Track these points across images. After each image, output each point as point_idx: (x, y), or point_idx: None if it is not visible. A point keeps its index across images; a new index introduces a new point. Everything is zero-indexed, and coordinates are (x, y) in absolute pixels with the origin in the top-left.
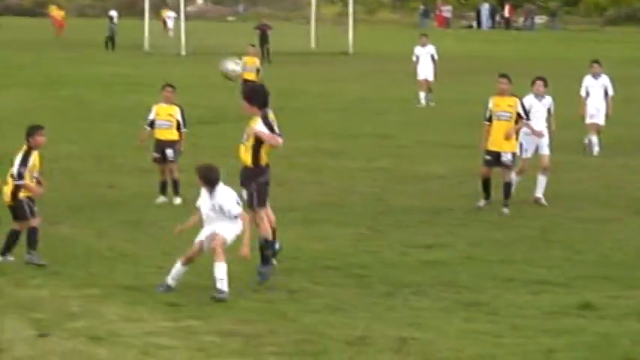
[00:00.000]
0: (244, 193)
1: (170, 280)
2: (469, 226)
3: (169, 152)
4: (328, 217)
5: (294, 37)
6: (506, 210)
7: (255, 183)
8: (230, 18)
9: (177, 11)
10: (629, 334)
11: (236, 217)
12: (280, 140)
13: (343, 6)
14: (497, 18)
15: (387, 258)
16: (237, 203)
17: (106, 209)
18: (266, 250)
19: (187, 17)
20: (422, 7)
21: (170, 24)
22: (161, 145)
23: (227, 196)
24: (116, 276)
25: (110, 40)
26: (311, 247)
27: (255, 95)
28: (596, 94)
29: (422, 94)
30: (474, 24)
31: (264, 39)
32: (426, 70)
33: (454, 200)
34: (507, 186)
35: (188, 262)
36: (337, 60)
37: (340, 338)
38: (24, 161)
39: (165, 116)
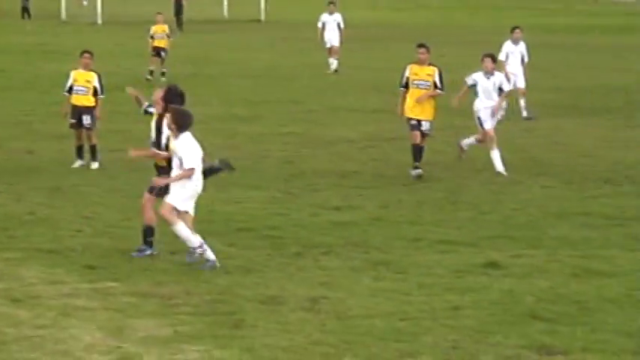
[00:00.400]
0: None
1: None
2: (378, 188)
3: (86, 118)
4: (241, 181)
5: (208, 5)
6: (415, 172)
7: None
8: None
9: None
10: (533, 291)
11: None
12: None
13: None
14: None
15: (299, 220)
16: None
17: (25, 174)
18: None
19: None
20: None
21: None
22: (78, 111)
23: (187, 145)
24: (35, 239)
25: (25, 11)
26: (224, 209)
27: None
28: (514, 59)
29: (331, 60)
30: None
31: (178, 9)
32: (332, 37)
33: (363, 163)
34: (421, 150)
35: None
36: (249, 28)
37: (254, 298)
38: None
39: (83, 82)
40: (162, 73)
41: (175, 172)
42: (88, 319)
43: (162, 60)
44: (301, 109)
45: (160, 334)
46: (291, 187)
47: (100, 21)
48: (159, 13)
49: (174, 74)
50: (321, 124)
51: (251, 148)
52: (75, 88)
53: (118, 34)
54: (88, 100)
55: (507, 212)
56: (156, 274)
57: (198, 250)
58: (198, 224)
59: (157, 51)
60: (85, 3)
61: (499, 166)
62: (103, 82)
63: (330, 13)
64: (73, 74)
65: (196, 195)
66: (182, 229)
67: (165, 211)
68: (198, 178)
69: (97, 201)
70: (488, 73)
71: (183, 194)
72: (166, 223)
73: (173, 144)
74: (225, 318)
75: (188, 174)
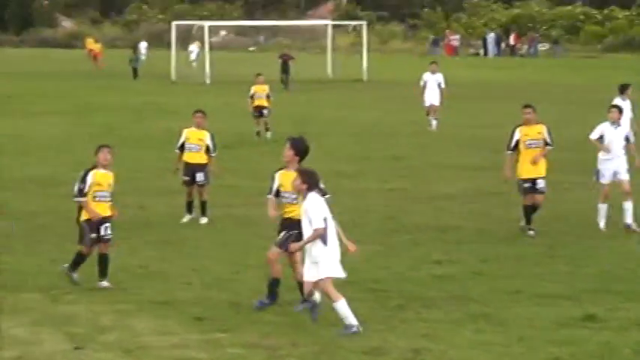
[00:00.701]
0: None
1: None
2: (478, 242)
3: (199, 176)
4: (345, 235)
5: (312, 65)
6: (531, 232)
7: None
8: (251, 48)
9: (202, 42)
10: (630, 343)
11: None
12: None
13: (357, 36)
14: (503, 46)
15: (401, 273)
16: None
17: (136, 229)
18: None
19: (211, 47)
20: (432, 36)
21: (193, 56)
22: (191, 169)
23: (315, 206)
24: (146, 292)
25: (133, 70)
26: None
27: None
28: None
29: (431, 118)
30: (481, 52)
31: (285, 68)
32: (432, 97)
33: (463, 218)
34: (534, 209)
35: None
36: (352, 87)
37: (357, 349)
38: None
39: (196, 140)
40: (267, 129)
41: (306, 232)
42: None
43: (265, 118)
44: (403, 166)
45: None
46: (393, 241)
47: (208, 81)
48: (259, 75)
49: (280, 132)
50: (423, 179)
51: (354, 203)
52: (187, 145)
53: (225, 94)
54: (201, 158)
55: (605, 266)
56: (263, 326)
57: (353, 330)
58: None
59: (259, 110)
60: (194, 64)
61: (628, 218)
62: (215, 141)
63: (432, 73)
64: (185, 132)
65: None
66: (342, 306)
67: (325, 288)
68: (331, 237)
69: (207, 254)
70: (615, 124)
71: (329, 260)
72: (329, 299)
73: (303, 205)
74: None
75: (316, 235)
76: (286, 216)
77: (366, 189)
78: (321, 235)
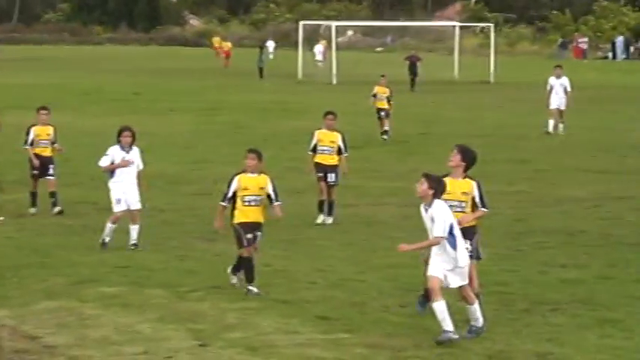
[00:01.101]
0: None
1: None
2: (605, 247)
3: (331, 176)
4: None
5: (439, 67)
6: None
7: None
8: (378, 49)
9: (329, 42)
10: None
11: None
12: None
13: (485, 38)
14: (632, 49)
15: (527, 277)
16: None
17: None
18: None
19: (338, 48)
20: (560, 39)
21: (319, 56)
22: (323, 169)
23: (440, 213)
24: (272, 290)
25: (259, 70)
26: None
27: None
28: None
29: (551, 122)
30: (610, 55)
31: (412, 69)
32: (558, 100)
33: (591, 222)
34: None
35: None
36: (479, 89)
37: (481, 352)
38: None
39: (328, 142)
40: (385, 132)
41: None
42: None
43: (383, 121)
44: (530, 169)
45: None
46: (520, 244)
47: (334, 81)
48: (382, 76)
49: (406, 133)
50: (550, 183)
51: None
52: (320, 147)
53: (351, 94)
54: (333, 159)
55: None
56: (387, 326)
57: (447, 336)
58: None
59: (379, 112)
60: (319, 64)
61: None
62: (346, 141)
63: (557, 77)
64: (317, 134)
65: (454, 266)
66: (441, 309)
67: (431, 283)
68: (457, 249)
69: (332, 254)
70: None
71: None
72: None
73: (430, 211)
74: None
75: (435, 242)
76: None
77: (492, 191)
78: (438, 243)
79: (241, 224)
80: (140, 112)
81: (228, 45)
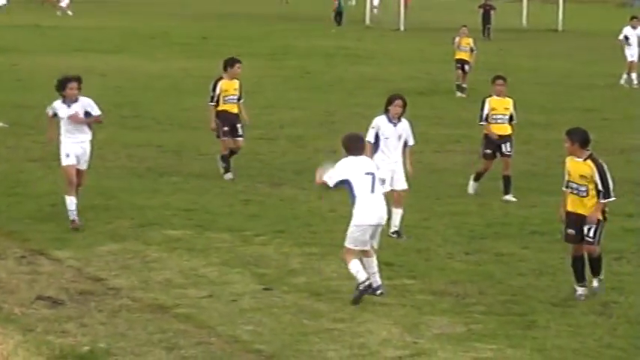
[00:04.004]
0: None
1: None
2: None
3: (506, 146)
4: (536, 186)
5: (507, 14)
6: None
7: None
8: None
9: None
10: None
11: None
12: None
13: None
14: None
15: None
16: None
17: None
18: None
19: None
20: None
21: (375, 1)
22: (495, 142)
23: None
24: (336, 236)
25: (338, 15)
26: (519, 213)
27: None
28: None
29: (625, 75)
30: None
31: (486, 18)
32: (634, 52)
33: None
34: None
35: None
36: (547, 37)
37: (546, 300)
38: None
39: (502, 110)
40: (463, 89)
41: None
42: (384, 315)
43: (465, 74)
44: (596, 117)
45: (454, 331)
46: None
47: (402, 27)
48: (464, 26)
49: (472, 80)
50: (616, 132)
51: (546, 154)
52: (493, 116)
53: (419, 41)
54: (506, 129)
55: None
56: (451, 273)
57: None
58: (494, 227)
59: (461, 64)
60: (375, 11)
61: None
62: (516, 108)
63: (634, 28)
64: (488, 101)
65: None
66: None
67: None
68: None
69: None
70: None
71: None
72: None
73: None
74: (518, 318)
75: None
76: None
77: (558, 140)
78: None
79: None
80: (207, 57)
81: None
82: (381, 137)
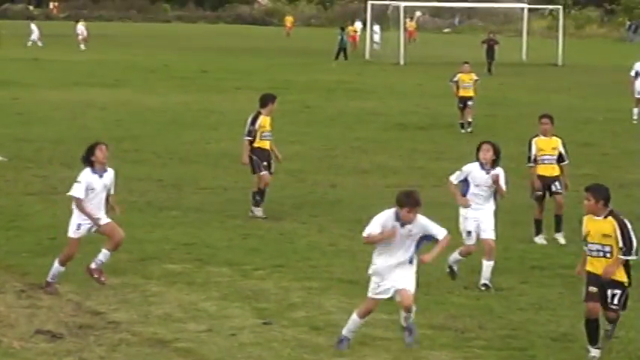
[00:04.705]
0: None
1: (347, 333)
2: None
3: (555, 185)
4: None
5: (507, 49)
6: None
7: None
8: (446, 30)
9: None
10: None
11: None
12: None
13: (553, 20)
14: None
15: None
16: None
17: (327, 207)
18: None
19: (406, 29)
20: (628, 22)
21: (376, 37)
22: (546, 181)
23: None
24: (335, 270)
25: (343, 51)
26: (518, 247)
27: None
28: None
29: (636, 110)
30: None
31: (490, 53)
32: None
33: None
34: None
35: (365, 315)
36: (547, 71)
37: (545, 335)
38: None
39: (549, 150)
40: (469, 123)
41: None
42: (384, 349)
43: (469, 109)
44: (596, 152)
45: None
46: None
47: (402, 62)
48: (465, 63)
49: (474, 115)
50: (616, 166)
51: None
52: (541, 157)
53: (418, 75)
54: (554, 170)
55: None
56: (450, 307)
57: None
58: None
59: (464, 101)
60: (375, 46)
61: None
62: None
63: None
64: (535, 142)
65: None
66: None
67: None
68: None
69: None
70: None
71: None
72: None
73: None
74: (518, 353)
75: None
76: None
77: None
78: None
79: None
80: (206, 91)
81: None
82: (471, 184)
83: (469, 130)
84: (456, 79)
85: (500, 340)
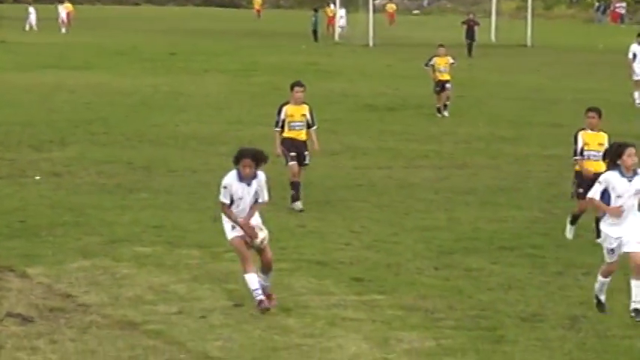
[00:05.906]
0: None
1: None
2: None
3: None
4: (504, 200)
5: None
6: None
7: None
8: (415, 12)
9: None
10: None
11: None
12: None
13: (522, 1)
14: None
15: (560, 240)
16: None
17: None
18: None
19: (375, 10)
20: (597, 3)
21: (342, 21)
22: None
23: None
24: (305, 251)
25: (314, 33)
26: (488, 228)
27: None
28: None
29: (637, 94)
30: None
31: (470, 34)
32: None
33: None
34: None
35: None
36: (516, 52)
37: (514, 315)
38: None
39: (595, 145)
40: (445, 106)
41: None
42: (354, 330)
43: (448, 92)
44: (564, 133)
45: (424, 346)
46: (553, 207)
47: (371, 43)
48: (440, 46)
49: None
50: None
51: (514, 169)
52: (586, 152)
53: (387, 57)
54: (600, 167)
55: None
56: (420, 288)
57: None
58: (463, 242)
59: (442, 85)
60: (339, 29)
61: None
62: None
63: None
64: (581, 135)
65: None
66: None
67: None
68: None
69: (366, 215)
70: None
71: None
72: None
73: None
74: (487, 333)
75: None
76: None
77: (527, 154)
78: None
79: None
80: (175, 73)
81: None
82: (612, 195)
83: (445, 114)
84: (432, 62)
85: (469, 320)
